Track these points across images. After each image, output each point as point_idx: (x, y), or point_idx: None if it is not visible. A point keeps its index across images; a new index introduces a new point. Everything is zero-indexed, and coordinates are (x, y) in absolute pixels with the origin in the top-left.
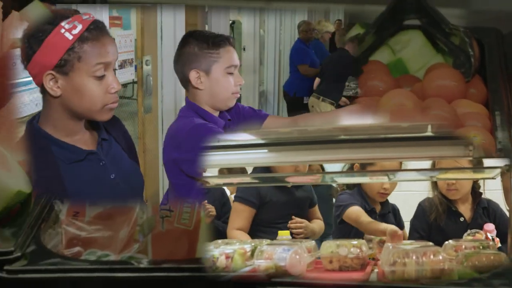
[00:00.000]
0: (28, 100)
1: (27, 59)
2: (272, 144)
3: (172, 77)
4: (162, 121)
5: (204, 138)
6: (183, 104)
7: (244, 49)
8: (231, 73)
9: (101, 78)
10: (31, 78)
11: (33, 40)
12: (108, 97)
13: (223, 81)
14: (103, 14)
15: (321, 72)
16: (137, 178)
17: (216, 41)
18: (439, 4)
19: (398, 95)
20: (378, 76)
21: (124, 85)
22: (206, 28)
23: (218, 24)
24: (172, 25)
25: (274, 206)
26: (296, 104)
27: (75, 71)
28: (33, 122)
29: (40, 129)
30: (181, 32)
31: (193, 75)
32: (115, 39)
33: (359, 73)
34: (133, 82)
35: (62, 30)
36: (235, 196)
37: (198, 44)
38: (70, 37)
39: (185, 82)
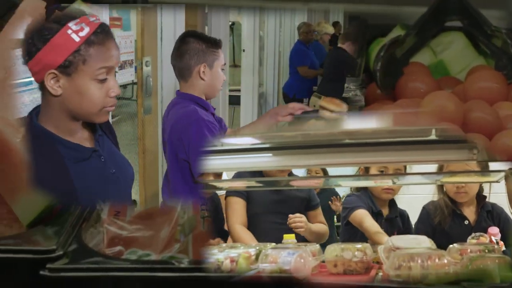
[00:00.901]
0: (28, 100)
1: (29, 55)
2: (275, 148)
3: (172, 78)
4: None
5: (206, 134)
6: None
7: (243, 50)
8: (223, 70)
9: (103, 81)
10: (31, 79)
11: (38, 38)
12: (107, 100)
13: (220, 75)
14: (103, 15)
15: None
16: (129, 171)
17: (217, 42)
18: (478, 5)
19: (440, 97)
20: (419, 78)
21: (124, 86)
22: (206, 29)
23: (218, 25)
24: (172, 26)
25: (258, 202)
26: None
27: (78, 73)
28: (33, 120)
29: (44, 128)
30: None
31: (201, 68)
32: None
33: (399, 74)
34: (133, 83)
35: (69, 31)
36: (227, 192)
37: (203, 42)
38: (77, 39)
39: (188, 74)
